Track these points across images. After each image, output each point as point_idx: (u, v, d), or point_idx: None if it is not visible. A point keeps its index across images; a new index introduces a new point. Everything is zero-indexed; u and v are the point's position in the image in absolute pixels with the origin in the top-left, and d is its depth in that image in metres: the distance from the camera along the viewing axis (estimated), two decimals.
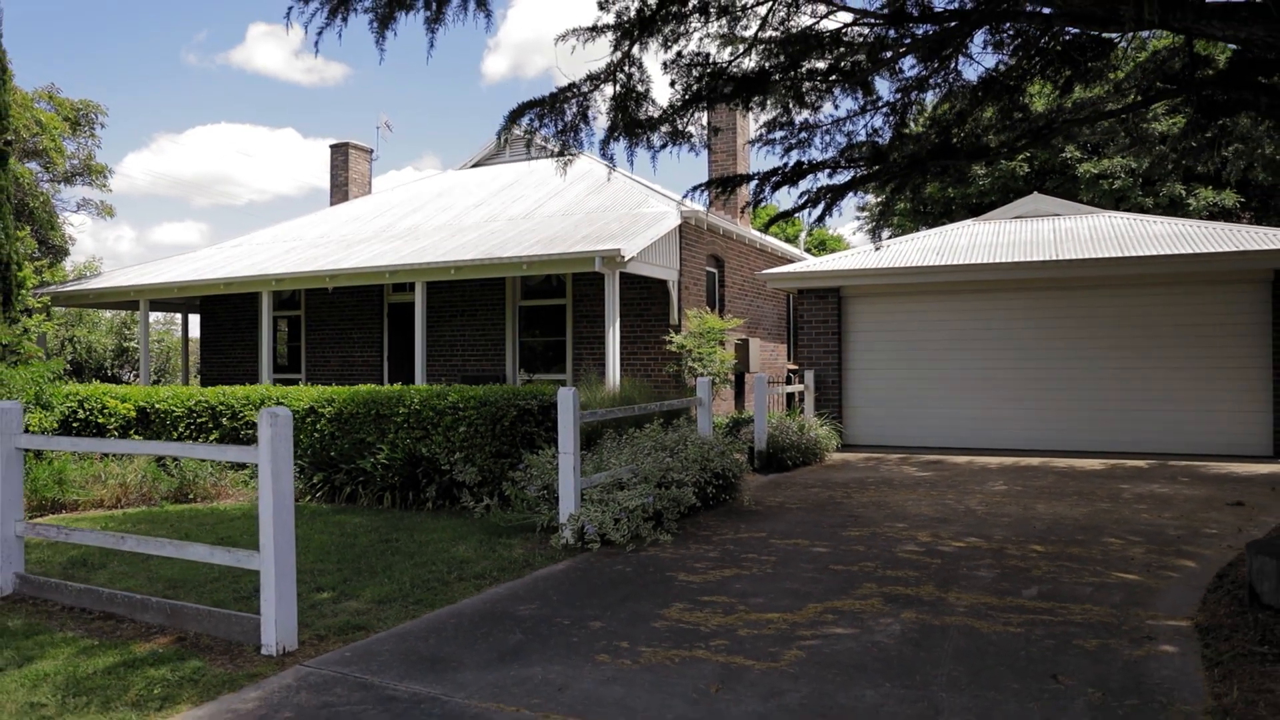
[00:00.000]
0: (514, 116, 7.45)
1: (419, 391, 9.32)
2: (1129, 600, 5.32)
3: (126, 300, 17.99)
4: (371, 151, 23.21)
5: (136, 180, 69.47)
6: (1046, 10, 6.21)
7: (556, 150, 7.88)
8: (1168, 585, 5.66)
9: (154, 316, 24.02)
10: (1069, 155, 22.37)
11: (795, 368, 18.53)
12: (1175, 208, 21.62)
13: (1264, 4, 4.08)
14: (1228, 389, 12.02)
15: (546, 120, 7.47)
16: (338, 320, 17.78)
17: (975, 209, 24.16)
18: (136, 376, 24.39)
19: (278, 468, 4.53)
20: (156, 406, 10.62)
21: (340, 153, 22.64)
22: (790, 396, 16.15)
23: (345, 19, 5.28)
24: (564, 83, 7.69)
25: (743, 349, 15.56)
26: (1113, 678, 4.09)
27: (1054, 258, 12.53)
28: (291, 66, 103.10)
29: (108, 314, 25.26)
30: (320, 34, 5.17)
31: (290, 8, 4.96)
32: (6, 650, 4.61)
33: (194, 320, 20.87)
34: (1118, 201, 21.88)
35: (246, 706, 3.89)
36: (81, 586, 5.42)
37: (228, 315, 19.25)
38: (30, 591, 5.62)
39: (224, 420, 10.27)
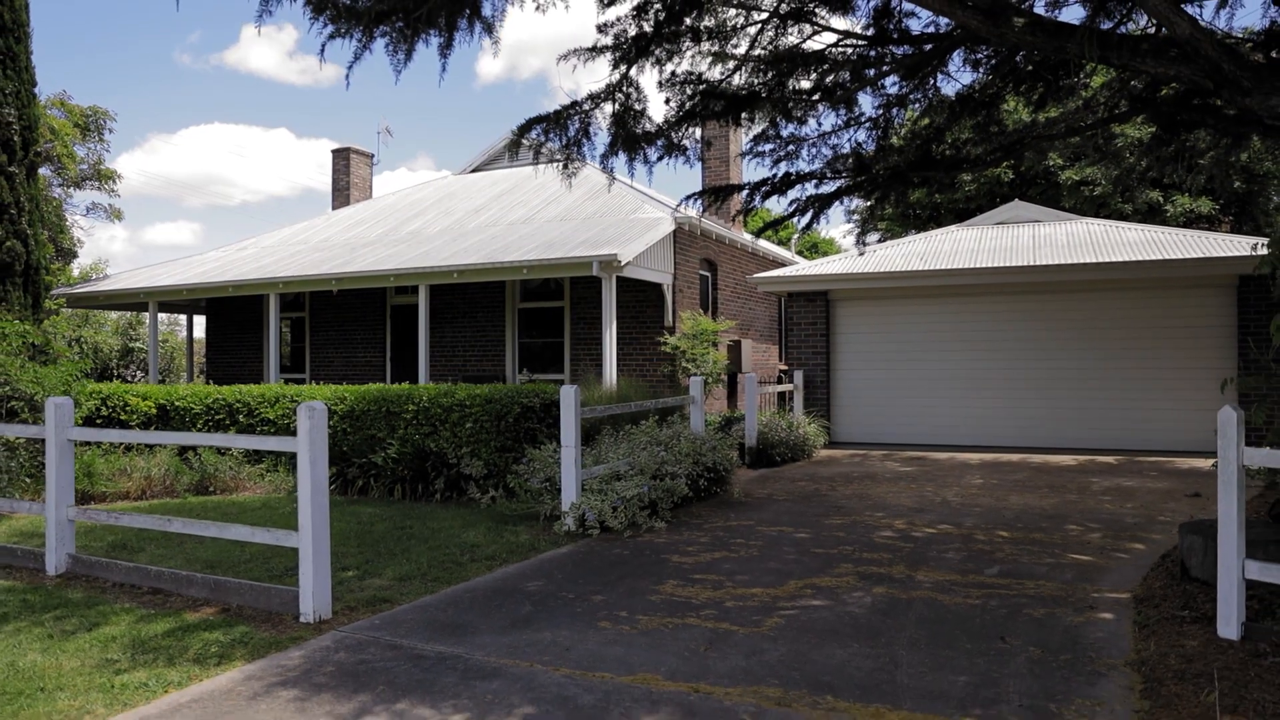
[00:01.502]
0: (522, 130, 8.02)
1: (427, 390, 9.86)
2: (1079, 577, 5.90)
3: (136, 302, 18.46)
4: (372, 156, 23.74)
5: (130, 180, 69.93)
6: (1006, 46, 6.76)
7: (561, 162, 8.42)
8: (1116, 565, 6.24)
9: (159, 317, 24.39)
10: (1052, 163, 22.99)
11: (786, 368, 19.08)
12: (1153, 214, 22.26)
13: (1187, 49, 4.64)
14: (1197, 388, 12.61)
15: (552, 134, 8.03)
16: (342, 322, 18.30)
17: (962, 214, 24.79)
18: (143, 376, 24.83)
19: (315, 455, 5.07)
20: (176, 404, 11.14)
21: (342, 157, 23.18)
22: (781, 396, 16.71)
23: (370, 49, 5.84)
24: (564, 95, 8.29)
25: (735, 350, 16.12)
26: (1053, 639, 4.65)
27: (1032, 263, 13.11)
28: (285, 67, 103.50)
29: (113, 315, 25.71)
30: (350, 68, 5.74)
31: (324, 45, 5.51)
32: (73, 618, 5.16)
33: (198, 320, 21.35)
34: (1099, 208, 22.51)
35: (293, 662, 4.43)
36: (130, 565, 5.95)
37: (233, 316, 19.74)
38: (82, 570, 6.15)
39: (240, 417, 10.80)
